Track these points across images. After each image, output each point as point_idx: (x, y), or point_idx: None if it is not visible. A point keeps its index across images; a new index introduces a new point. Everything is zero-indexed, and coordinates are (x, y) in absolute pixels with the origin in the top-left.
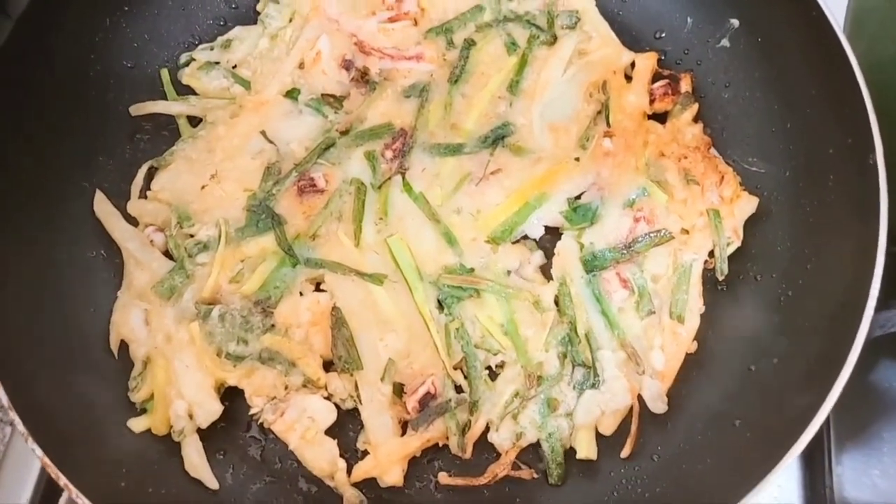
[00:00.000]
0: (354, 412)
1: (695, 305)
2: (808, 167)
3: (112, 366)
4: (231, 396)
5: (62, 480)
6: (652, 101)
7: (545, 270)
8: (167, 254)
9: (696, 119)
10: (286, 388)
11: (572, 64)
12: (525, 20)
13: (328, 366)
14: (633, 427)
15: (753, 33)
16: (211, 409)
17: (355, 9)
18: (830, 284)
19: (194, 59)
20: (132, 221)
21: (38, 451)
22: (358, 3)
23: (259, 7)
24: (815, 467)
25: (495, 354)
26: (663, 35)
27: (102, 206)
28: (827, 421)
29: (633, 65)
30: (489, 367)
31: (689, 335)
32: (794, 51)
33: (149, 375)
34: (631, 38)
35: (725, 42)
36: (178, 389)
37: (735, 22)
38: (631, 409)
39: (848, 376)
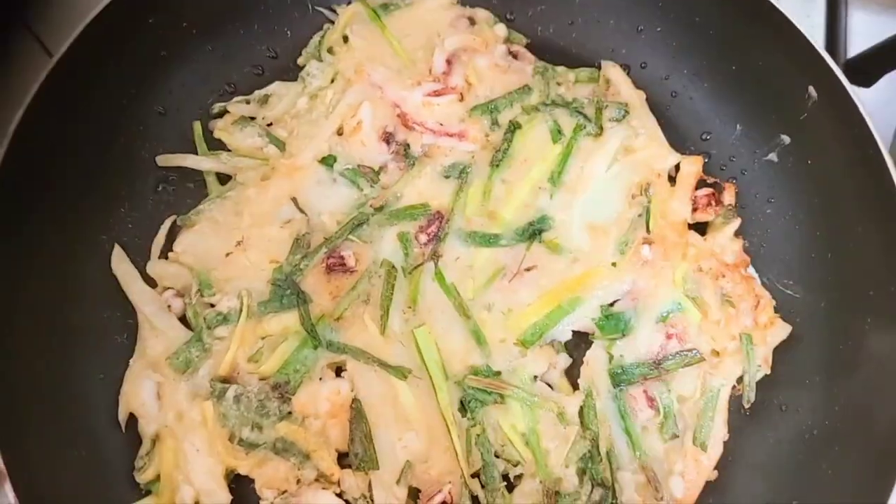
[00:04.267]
0: None
1: (719, 433)
2: (845, 303)
3: (118, 441)
4: (238, 481)
5: None
6: (694, 210)
7: (569, 376)
8: (184, 320)
9: (735, 233)
10: (298, 481)
11: (617, 161)
12: (573, 108)
13: (342, 458)
14: None
15: (804, 154)
16: (219, 499)
17: (400, 77)
18: (859, 436)
19: (228, 111)
20: (150, 282)
21: None
22: (403, 72)
23: (301, 61)
24: None
25: (515, 465)
26: (710, 137)
27: (121, 264)
28: None
29: (677, 167)
30: (507, 478)
31: (710, 463)
32: (844, 182)
33: (157, 455)
34: (677, 136)
35: (773, 157)
36: (187, 474)
37: (786, 138)
38: None
39: None
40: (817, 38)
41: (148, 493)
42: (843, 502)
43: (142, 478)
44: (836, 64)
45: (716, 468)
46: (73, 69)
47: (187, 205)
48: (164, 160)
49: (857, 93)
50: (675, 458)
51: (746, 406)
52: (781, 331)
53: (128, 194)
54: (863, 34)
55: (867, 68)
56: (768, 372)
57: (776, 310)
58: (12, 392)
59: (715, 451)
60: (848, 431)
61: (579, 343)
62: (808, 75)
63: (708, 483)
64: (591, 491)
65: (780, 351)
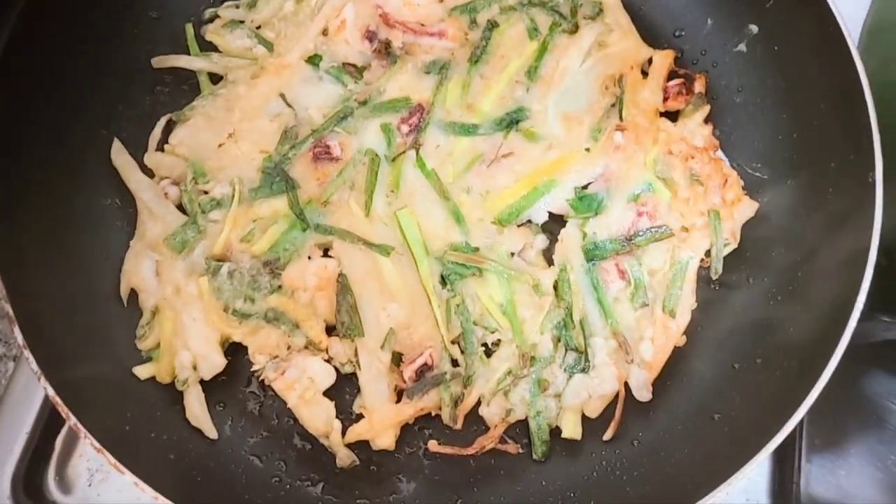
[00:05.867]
0: (352, 377)
1: (687, 302)
2: (809, 178)
3: (121, 313)
4: (234, 352)
5: (72, 420)
6: (665, 99)
7: (546, 255)
8: (181, 208)
9: (706, 120)
10: (289, 348)
11: (591, 55)
12: (549, 7)
13: (330, 330)
14: (618, 412)
15: (770, 41)
16: (215, 363)
17: None
18: (819, 292)
19: (219, 16)
20: (148, 173)
21: (51, 391)
22: None
23: None
24: (785, 464)
25: (492, 332)
26: (682, 34)
27: (120, 155)
28: (801, 421)
29: (650, 61)
30: (485, 345)
31: (679, 329)
32: (807, 63)
33: (156, 325)
34: (650, 34)
35: (742, 47)
36: (184, 341)
37: (754, 28)
38: (617, 395)
39: (825, 382)
40: None
41: (149, 359)
42: (804, 352)
43: (143, 345)
44: None
45: (684, 334)
46: None
47: (182, 104)
48: (159, 61)
49: None
50: (645, 324)
51: (714, 277)
52: (748, 208)
53: (125, 94)
54: None
55: None
56: (735, 245)
57: (745, 191)
58: (23, 263)
59: (683, 318)
60: (810, 292)
61: (555, 225)
62: None
63: (677, 348)
64: (565, 355)
65: (748, 228)
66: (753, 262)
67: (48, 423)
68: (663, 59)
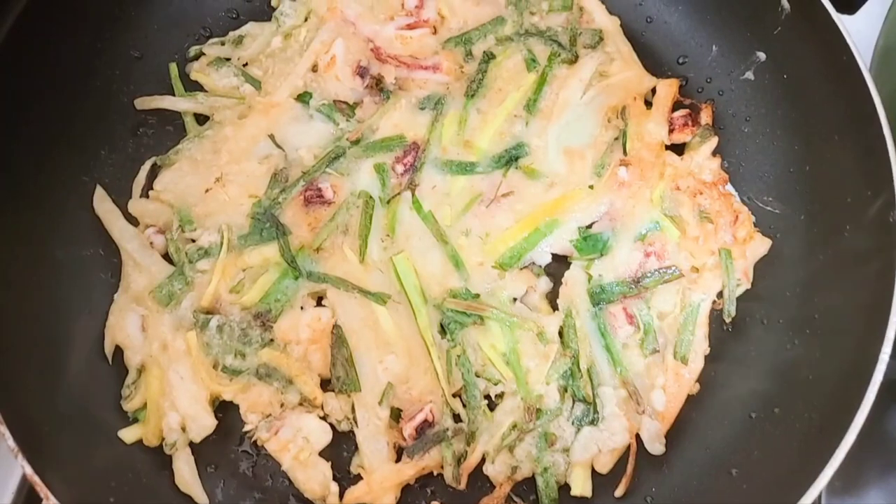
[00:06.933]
0: (350, 434)
1: (700, 347)
2: (824, 214)
3: (105, 372)
4: (224, 408)
5: (51, 501)
6: (671, 131)
7: (550, 299)
8: (167, 257)
9: (714, 153)
10: (282, 405)
11: (592, 86)
12: (547, 36)
13: (325, 385)
14: (630, 467)
15: (779, 69)
16: (204, 424)
17: (373, 12)
18: (839, 337)
19: (204, 54)
20: (132, 221)
21: (28, 469)
22: (376, 7)
23: (274, 2)
24: None
25: (495, 384)
26: (686, 60)
27: (102, 203)
28: None
29: (653, 90)
30: (488, 397)
31: (692, 377)
32: (819, 92)
33: (142, 384)
34: (653, 62)
35: (750, 75)
36: (172, 401)
37: (761, 55)
38: (628, 448)
39: (853, 441)
40: None
41: (135, 420)
42: (825, 403)
43: (129, 406)
44: None
45: (698, 381)
46: (45, 13)
47: (167, 147)
48: (142, 103)
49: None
50: (656, 372)
51: (727, 320)
52: (761, 245)
53: (107, 137)
54: None
55: None
56: (749, 286)
57: (756, 226)
58: (2, 325)
59: (696, 364)
60: (829, 338)
61: (559, 267)
62: None
63: (690, 396)
64: (573, 406)
65: (761, 266)
66: (768, 303)
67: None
68: (668, 89)
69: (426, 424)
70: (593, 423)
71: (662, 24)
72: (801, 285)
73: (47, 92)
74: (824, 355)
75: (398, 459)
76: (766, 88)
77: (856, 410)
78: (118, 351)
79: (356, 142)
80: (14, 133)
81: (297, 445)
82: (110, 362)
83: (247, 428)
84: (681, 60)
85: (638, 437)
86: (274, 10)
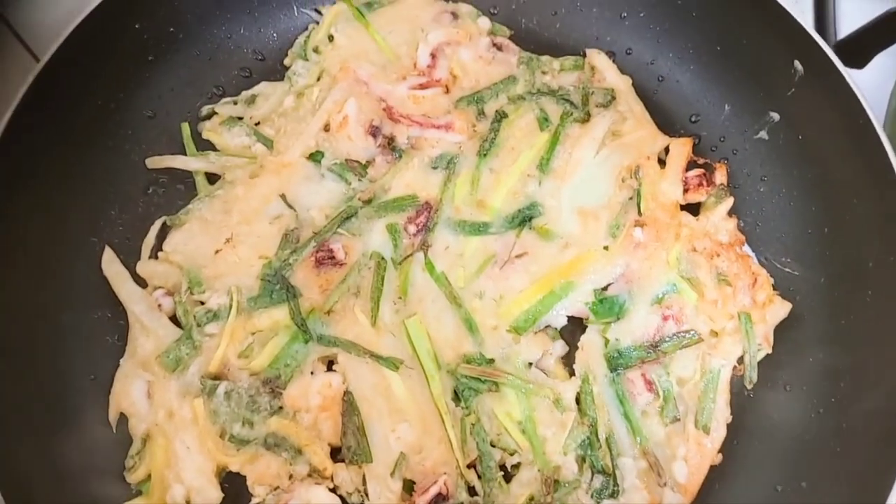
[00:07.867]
0: None
1: (721, 415)
2: (844, 277)
3: (109, 441)
4: (231, 479)
5: None
6: (686, 191)
7: (566, 363)
8: (175, 319)
9: (730, 213)
10: (290, 476)
11: (605, 145)
12: (559, 95)
13: (335, 454)
14: None
15: (794, 129)
16: (210, 497)
17: (385, 72)
18: (867, 408)
19: (217, 113)
20: (140, 282)
21: None
22: (388, 67)
23: (287, 62)
24: None
25: (511, 454)
26: (699, 119)
27: (111, 265)
28: None
29: (667, 149)
30: (504, 468)
31: (714, 447)
32: (834, 152)
33: (147, 454)
34: (665, 120)
35: (764, 134)
36: (178, 472)
37: (775, 115)
38: None
39: None
40: (806, 21)
41: (139, 493)
42: (854, 478)
43: (132, 478)
44: (826, 44)
45: (720, 451)
46: (60, 74)
47: (177, 206)
48: (154, 162)
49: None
50: (677, 442)
51: (749, 386)
52: (781, 309)
53: (118, 197)
54: (851, 17)
55: (858, 49)
56: (770, 351)
57: (775, 288)
58: (1, 391)
59: (718, 433)
60: (856, 404)
61: (575, 329)
62: (794, 52)
63: (713, 467)
64: (592, 478)
65: (781, 329)
66: (790, 369)
67: None
68: (681, 148)
69: (440, 498)
70: (613, 495)
71: (674, 83)
72: (823, 351)
73: (59, 150)
74: (851, 425)
75: None
76: (780, 148)
77: (889, 489)
78: (123, 419)
79: (368, 201)
80: (24, 190)
81: None
82: (114, 430)
83: (254, 501)
84: (693, 119)
85: None
86: (287, 69)
